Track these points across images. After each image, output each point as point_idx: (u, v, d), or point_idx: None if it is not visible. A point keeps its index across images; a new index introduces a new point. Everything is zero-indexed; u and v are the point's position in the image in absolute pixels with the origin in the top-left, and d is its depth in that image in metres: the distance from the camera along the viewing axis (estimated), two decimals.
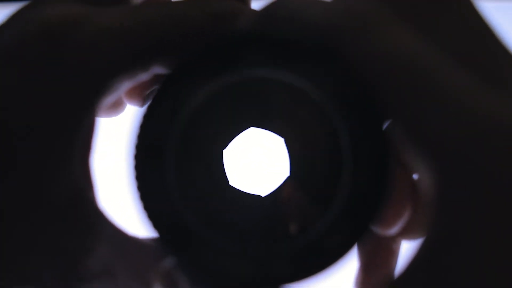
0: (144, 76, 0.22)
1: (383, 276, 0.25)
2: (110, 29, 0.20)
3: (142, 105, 0.25)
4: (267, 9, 0.21)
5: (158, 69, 0.22)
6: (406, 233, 0.24)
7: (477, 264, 0.17)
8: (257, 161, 0.22)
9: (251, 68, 0.21)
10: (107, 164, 0.24)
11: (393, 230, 0.24)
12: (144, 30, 0.21)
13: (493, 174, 0.17)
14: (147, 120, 0.20)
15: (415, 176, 0.23)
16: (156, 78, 0.23)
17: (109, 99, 0.22)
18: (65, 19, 0.20)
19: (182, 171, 0.21)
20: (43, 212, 0.20)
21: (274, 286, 0.20)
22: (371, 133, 0.20)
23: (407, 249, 0.22)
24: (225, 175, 0.22)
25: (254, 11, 0.23)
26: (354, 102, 0.20)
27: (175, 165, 0.21)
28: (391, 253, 0.25)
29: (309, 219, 0.21)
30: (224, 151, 0.22)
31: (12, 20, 0.22)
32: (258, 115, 0.22)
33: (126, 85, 0.22)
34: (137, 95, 0.25)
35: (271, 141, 0.22)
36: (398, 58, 0.18)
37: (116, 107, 0.26)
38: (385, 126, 0.20)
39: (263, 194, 0.22)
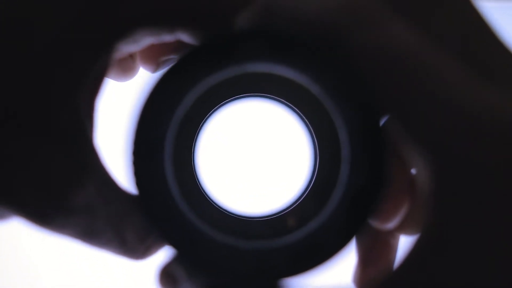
0: (167, 38, 0.22)
1: (381, 271, 0.25)
2: None
3: (154, 71, 0.25)
4: (265, 5, 0.21)
5: (183, 36, 0.22)
6: (404, 227, 0.24)
7: (472, 259, 0.17)
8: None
9: (249, 63, 0.21)
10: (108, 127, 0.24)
11: (391, 224, 0.24)
12: None
13: (489, 169, 0.17)
14: (145, 113, 0.20)
15: (413, 171, 0.24)
16: (179, 44, 0.23)
17: (128, 49, 0.22)
18: None
19: (180, 165, 0.21)
20: (42, 131, 0.20)
21: (272, 280, 0.20)
22: (368, 127, 0.20)
23: (405, 244, 0.23)
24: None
25: None
26: (352, 97, 0.20)
27: (173, 159, 0.21)
28: (389, 247, 0.25)
29: (307, 214, 0.21)
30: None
31: None
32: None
33: (147, 41, 0.22)
34: (153, 58, 0.25)
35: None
36: (396, 53, 0.18)
37: (129, 70, 0.26)
38: (383, 121, 0.20)
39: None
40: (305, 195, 0.22)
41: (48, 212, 0.21)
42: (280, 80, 0.21)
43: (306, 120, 0.22)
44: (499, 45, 0.20)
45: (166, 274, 0.22)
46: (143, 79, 0.23)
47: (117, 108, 0.28)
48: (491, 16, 0.21)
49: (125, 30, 0.21)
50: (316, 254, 0.20)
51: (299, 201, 0.22)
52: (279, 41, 0.20)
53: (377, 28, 0.19)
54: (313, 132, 0.22)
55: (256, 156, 0.25)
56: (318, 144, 0.22)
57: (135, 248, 0.22)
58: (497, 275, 0.17)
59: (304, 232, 0.21)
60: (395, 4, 0.20)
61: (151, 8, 0.21)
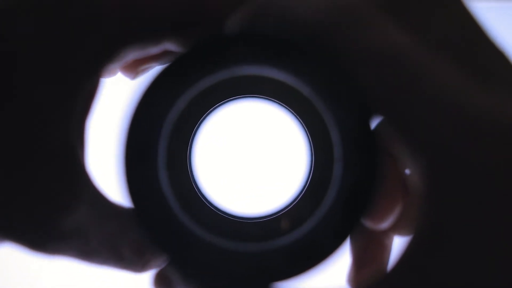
0: (154, 50, 0.22)
1: (376, 271, 0.25)
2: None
3: (134, 78, 0.25)
4: (258, 6, 0.21)
5: (169, 46, 0.22)
6: (397, 228, 0.24)
7: (467, 260, 0.17)
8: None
9: (241, 65, 0.21)
10: (99, 135, 0.24)
11: (385, 224, 0.24)
12: (161, 5, 0.21)
13: (487, 169, 0.17)
14: (138, 115, 0.20)
15: (406, 172, 0.24)
16: (165, 54, 0.23)
17: (113, 66, 0.22)
18: None
19: (174, 168, 0.21)
20: (30, 156, 0.20)
21: (268, 283, 0.20)
22: (360, 128, 0.20)
23: (398, 244, 0.23)
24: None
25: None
26: (344, 98, 0.20)
27: (166, 162, 0.21)
28: (383, 248, 0.25)
29: (301, 216, 0.21)
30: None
31: None
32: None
33: (133, 55, 0.22)
34: (133, 67, 0.25)
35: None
36: (388, 54, 0.18)
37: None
38: (375, 122, 0.20)
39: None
40: (299, 196, 0.22)
41: (41, 237, 0.21)
42: (272, 81, 0.21)
43: (300, 121, 0.22)
44: (493, 46, 0.20)
45: (161, 276, 0.22)
46: (134, 84, 0.24)
47: (108, 112, 0.28)
48: (490, 16, 0.21)
49: (111, 53, 0.21)
50: (311, 256, 0.20)
51: (293, 203, 0.22)
52: (270, 43, 0.20)
53: (369, 29, 0.19)
54: (307, 134, 0.22)
55: (250, 157, 0.25)
56: (311, 145, 0.22)
57: (133, 262, 0.22)
58: (492, 276, 0.17)
59: (299, 233, 0.21)
60: (388, 6, 0.20)
61: (136, 26, 0.21)
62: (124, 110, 0.20)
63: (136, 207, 0.20)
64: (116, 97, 0.26)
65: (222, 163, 0.22)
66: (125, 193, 0.20)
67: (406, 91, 0.18)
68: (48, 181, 0.20)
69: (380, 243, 0.25)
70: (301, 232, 0.21)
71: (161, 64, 0.23)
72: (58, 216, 0.21)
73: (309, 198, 0.21)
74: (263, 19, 0.20)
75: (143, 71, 0.24)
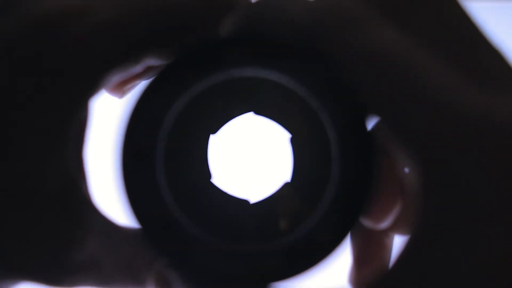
0: (136, 70, 0.22)
1: (377, 270, 0.25)
2: (105, 23, 0.20)
3: (121, 97, 0.25)
4: (251, 9, 0.21)
5: (152, 61, 0.22)
6: (397, 227, 0.24)
7: (464, 257, 0.17)
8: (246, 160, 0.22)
9: (236, 68, 0.21)
10: (98, 156, 0.24)
11: (384, 224, 0.24)
12: (137, 23, 0.21)
13: (481, 170, 0.17)
14: (134, 120, 0.20)
15: (405, 171, 0.23)
16: (148, 70, 0.23)
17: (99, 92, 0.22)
18: (63, 12, 0.20)
19: (171, 170, 0.21)
20: (34, 201, 0.20)
21: (266, 284, 0.20)
22: (357, 129, 0.20)
23: (398, 244, 0.23)
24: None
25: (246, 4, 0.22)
26: (340, 99, 0.20)
27: (164, 164, 0.21)
28: (384, 247, 0.25)
29: (299, 215, 0.21)
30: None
31: (12, 9, 0.21)
32: (244, 114, 0.22)
33: (117, 78, 0.22)
34: (119, 88, 0.25)
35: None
36: (382, 55, 0.18)
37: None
38: (372, 122, 0.20)
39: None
40: (297, 198, 0.22)
41: (56, 273, 0.21)
42: (267, 83, 0.21)
43: (295, 123, 0.22)
44: (489, 46, 0.20)
45: (161, 278, 0.22)
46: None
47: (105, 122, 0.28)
48: (490, 16, 0.21)
49: (95, 83, 0.21)
50: (309, 255, 0.20)
51: (292, 204, 0.22)
52: (264, 46, 0.20)
53: (364, 31, 0.19)
54: (302, 134, 0.22)
55: (246, 158, 0.26)
56: (307, 146, 0.22)
57: (153, 282, 0.22)
58: (489, 274, 0.17)
59: (297, 233, 0.21)
60: (383, 7, 0.20)
61: (118, 51, 0.21)
62: (120, 117, 0.20)
63: (134, 210, 0.20)
64: (110, 108, 0.26)
65: (219, 163, 0.22)
66: (122, 196, 0.20)
67: (401, 91, 0.18)
68: (54, 219, 0.20)
69: (380, 242, 0.25)
70: (299, 232, 0.21)
71: (146, 79, 0.23)
72: (69, 251, 0.21)
73: (306, 199, 0.22)
74: (257, 22, 0.20)
75: (129, 89, 0.24)
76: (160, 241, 0.20)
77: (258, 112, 0.22)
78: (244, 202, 0.22)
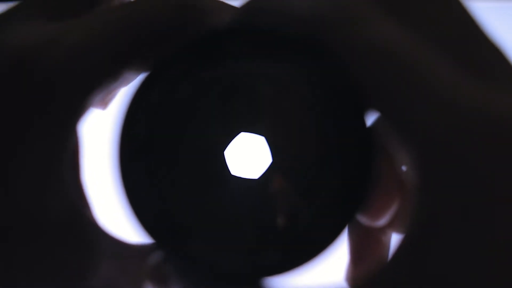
0: (118, 84, 0.22)
1: (374, 268, 0.25)
2: (79, 46, 0.20)
3: (105, 109, 0.24)
4: (252, 1, 0.21)
5: (130, 73, 0.22)
6: (394, 225, 0.24)
7: (462, 255, 0.17)
8: (244, 152, 0.22)
9: (235, 60, 0.21)
10: (95, 169, 0.24)
11: (381, 221, 0.24)
12: (113, 39, 0.20)
13: (481, 167, 0.17)
14: (131, 116, 0.20)
15: (403, 168, 0.24)
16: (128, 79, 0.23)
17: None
18: (34, 43, 0.20)
19: (169, 164, 0.21)
20: (40, 236, 0.20)
21: (263, 277, 0.20)
22: (356, 123, 0.20)
23: (395, 241, 0.23)
24: (213, 167, 0.22)
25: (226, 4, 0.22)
26: (340, 94, 0.20)
27: (161, 159, 0.21)
28: (381, 245, 0.25)
29: (297, 209, 0.21)
30: (211, 144, 0.22)
31: None
32: (243, 107, 0.22)
33: (100, 96, 0.21)
34: (101, 101, 0.24)
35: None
36: (383, 50, 0.18)
37: None
38: (372, 118, 0.20)
39: (251, 186, 0.22)
40: (295, 192, 0.22)
41: None
42: (266, 77, 0.21)
43: (293, 117, 0.22)
44: (489, 42, 0.20)
45: (156, 272, 0.22)
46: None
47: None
48: (490, 16, 0.21)
49: (80, 108, 0.20)
50: (306, 250, 0.20)
51: (290, 198, 0.22)
52: (264, 38, 0.20)
53: (366, 25, 0.19)
54: (300, 129, 0.22)
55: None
56: (306, 140, 0.22)
57: None
58: (486, 274, 0.17)
59: (294, 228, 0.21)
60: (384, 2, 0.20)
61: (95, 72, 0.20)
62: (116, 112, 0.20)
63: (130, 202, 0.20)
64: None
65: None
66: (118, 189, 0.20)
67: (402, 86, 0.18)
68: (65, 251, 0.20)
69: (377, 240, 0.25)
70: (296, 226, 0.21)
71: (126, 86, 0.23)
72: (83, 279, 0.21)
73: (304, 193, 0.21)
74: (258, 14, 0.20)
75: (111, 99, 0.24)
76: (157, 234, 0.20)
77: (255, 105, 0.22)
78: (244, 192, 0.22)
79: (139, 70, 0.22)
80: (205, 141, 0.22)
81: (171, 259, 0.20)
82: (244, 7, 0.21)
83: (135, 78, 0.22)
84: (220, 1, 0.22)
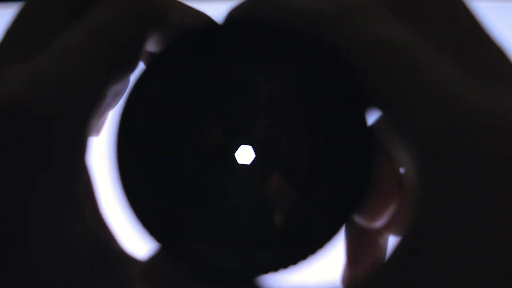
0: (108, 104, 0.22)
1: (370, 270, 0.25)
2: (64, 77, 0.19)
3: (98, 135, 0.24)
4: None
5: (118, 89, 0.22)
6: (391, 227, 0.24)
7: (457, 260, 0.17)
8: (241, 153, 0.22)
9: (233, 57, 0.20)
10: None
11: (378, 223, 0.24)
12: (92, 58, 0.20)
13: (479, 165, 0.17)
14: (127, 115, 0.20)
15: (401, 170, 0.23)
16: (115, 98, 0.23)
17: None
18: (21, 87, 0.19)
19: (166, 163, 0.21)
20: (68, 274, 0.20)
21: (259, 275, 0.20)
22: (357, 123, 0.20)
23: (392, 243, 0.22)
24: (211, 165, 0.21)
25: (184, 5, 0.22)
26: (339, 91, 0.20)
27: (159, 157, 0.21)
28: (377, 246, 0.25)
29: (294, 209, 0.21)
30: (209, 143, 0.21)
31: None
32: (241, 105, 0.21)
33: (95, 122, 0.21)
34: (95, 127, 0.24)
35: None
36: (385, 47, 0.18)
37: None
38: (373, 118, 0.20)
39: (249, 185, 0.22)
40: (293, 191, 0.22)
41: None
42: (264, 74, 0.21)
43: (291, 115, 0.22)
44: (492, 43, 0.20)
45: (149, 272, 0.21)
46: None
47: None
48: (491, 16, 0.21)
49: (83, 142, 0.20)
50: (302, 248, 0.20)
51: (287, 198, 0.22)
52: (265, 32, 0.20)
53: (368, 22, 0.19)
54: (298, 127, 0.22)
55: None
56: (304, 139, 0.22)
57: None
58: (484, 276, 0.17)
59: (291, 226, 0.21)
60: (388, 2, 0.19)
61: (90, 98, 0.20)
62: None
63: (129, 201, 0.20)
64: None
65: None
66: (117, 189, 0.20)
67: (403, 85, 0.18)
68: (93, 282, 0.20)
69: (374, 241, 0.25)
70: (292, 225, 0.21)
71: (114, 106, 0.23)
72: None
73: (301, 192, 0.21)
74: (259, 8, 0.20)
75: (103, 123, 0.24)
76: (154, 232, 0.20)
77: (253, 104, 0.22)
78: (241, 190, 0.22)
79: (124, 83, 0.21)
80: (203, 139, 0.21)
81: (169, 258, 0.20)
82: (245, 1, 0.21)
83: (122, 95, 0.22)
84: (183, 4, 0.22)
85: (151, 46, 0.22)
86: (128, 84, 0.23)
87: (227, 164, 0.21)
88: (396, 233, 0.25)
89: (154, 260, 0.20)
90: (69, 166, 0.20)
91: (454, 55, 0.19)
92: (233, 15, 0.20)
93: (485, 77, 0.18)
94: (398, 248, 0.18)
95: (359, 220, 0.24)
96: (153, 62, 0.20)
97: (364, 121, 0.19)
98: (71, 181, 0.20)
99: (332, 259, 0.21)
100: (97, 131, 0.24)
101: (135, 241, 0.20)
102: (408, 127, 0.18)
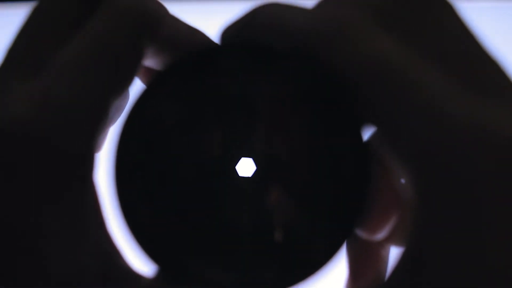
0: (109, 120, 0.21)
1: (373, 282, 0.24)
2: (68, 96, 0.19)
3: (99, 151, 0.24)
4: (247, 16, 0.21)
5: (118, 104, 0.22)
6: (393, 238, 0.24)
7: (460, 271, 0.17)
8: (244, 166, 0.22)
9: (230, 75, 0.21)
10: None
11: (380, 235, 0.24)
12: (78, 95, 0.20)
13: (476, 180, 0.17)
14: (127, 131, 0.20)
15: (401, 181, 0.23)
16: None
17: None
18: (26, 109, 0.19)
19: (165, 179, 0.21)
20: None
21: None
22: (352, 138, 0.20)
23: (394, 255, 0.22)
24: (210, 181, 0.21)
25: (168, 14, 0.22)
26: (335, 108, 0.20)
27: (157, 174, 0.21)
28: (379, 259, 0.25)
29: (294, 225, 0.21)
30: (209, 159, 0.21)
31: None
32: (240, 121, 0.21)
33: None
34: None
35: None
36: (377, 64, 0.18)
37: None
38: (368, 132, 0.20)
39: (248, 201, 0.21)
40: (292, 206, 0.22)
41: None
42: (262, 91, 0.21)
43: (290, 131, 0.22)
44: (489, 58, 0.20)
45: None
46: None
47: None
48: (491, 16, 0.21)
49: (90, 161, 0.20)
50: (304, 266, 0.20)
51: (287, 214, 0.22)
52: (262, 52, 0.20)
53: (357, 39, 0.19)
54: (297, 143, 0.22)
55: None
56: (302, 155, 0.21)
57: None
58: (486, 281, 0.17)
59: (291, 244, 0.21)
60: (383, 18, 0.20)
61: (93, 116, 0.20)
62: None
63: (127, 220, 0.20)
64: None
65: None
66: (116, 209, 0.20)
67: (398, 101, 0.18)
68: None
69: (375, 253, 0.25)
70: (293, 242, 0.21)
71: (114, 122, 0.23)
72: None
73: (301, 208, 0.21)
74: (254, 29, 0.20)
75: (104, 141, 0.24)
76: (152, 251, 0.20)
77: (253, 119, 0.22)
78: (242, 207, 0.21)
79: (124, 97, 0.21)
80: (202, 156, 0.21)
81: (166, 276, 0.20)
82: (240, 21, 0.21)
83: (122, 111, 0.22)
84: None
85: (148, 61, 0.22)
86: (128, 98, 0.23)
87: (228, 180, 0.21)
88: (397, 244, 0.25)
89: (156, 281, 0.20)
90: (77, 186, 0.20)
91: (451, 71, 0.19)
92: (228, 35, 0.20)
93: (483, 93, 0.18)
94: (401, 260, 0.18)
95: (360, 233, 0.24)
96: (154, 80, 0.20)
97: (360, 136, 0.20)
98: (79, 200, 0.20)
99: (334, 275, 0.21)
100: (99, 147, 0.24)
101: (141, 259, 0.20)
102: (402, 142, 0.18)
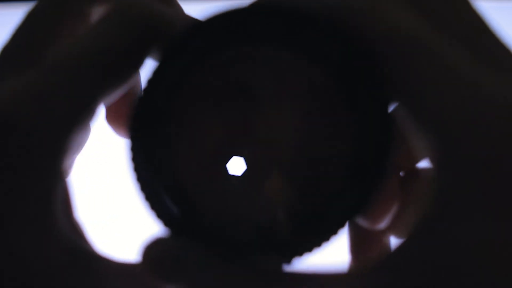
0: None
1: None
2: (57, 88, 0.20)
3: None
4: None
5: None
6: (394, 228, 0.24)
7: (484, 229, 0.17)
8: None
9: (254, 42, 0.20)
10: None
11: (381, 224, 0.24)
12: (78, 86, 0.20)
13: (497, 153, 0.17)
14: (135, 121, 0.20)
15: (401, 174, 0.24)
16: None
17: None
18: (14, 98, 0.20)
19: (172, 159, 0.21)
20: (45, 281, 0.20)
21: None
22: (379, 109, 0.19)
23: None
24: (214, 163, 0.21)
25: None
26: (361, 81, 0.19)
27: (171, 152, 0.21)
28: (381, 246, 0.25)
29: (295, 209, 0.21)
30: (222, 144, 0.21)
31: None
32: (243, 108, 0.21)
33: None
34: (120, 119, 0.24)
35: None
36: (404, 35, 0.18)
37: None
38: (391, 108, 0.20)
39: (253, 186, 0.21)
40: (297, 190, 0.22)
41: None
42: (285, 61, 0.21)
43: (307, 108, 0.21)
44: (499, 39, 0.20)
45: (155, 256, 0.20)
46: None
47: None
48: (491, 16, 0.21)
49: (62, 151, 0.20)
50: (302, 251, 0.20)
51: (290, 198, 0.22)
52: (288, 18, 0.19)
53: (388, 10, 0.19)
54: (311, 121, 0.21)
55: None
56: (313, 136, 0.21)
57: None
58: (495, 276, 0.17)
59: (290, 228, 0.21)
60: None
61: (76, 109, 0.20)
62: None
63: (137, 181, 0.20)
64: None
65: None
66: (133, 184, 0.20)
67: (422, 73, 0.18)
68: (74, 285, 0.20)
69: (377, 241, 0.25)
70: (292, 226, 0.21)
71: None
72: None
73: (305, 192, 0.21)
74: None
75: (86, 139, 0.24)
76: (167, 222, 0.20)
77: (256, 104, 0.21)
78: (246, 193, 0.21)
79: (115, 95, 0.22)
80: (217, 140, 0.21)
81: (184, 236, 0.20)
82: None
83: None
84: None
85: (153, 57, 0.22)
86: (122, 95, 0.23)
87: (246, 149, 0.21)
88: (397, 234, 0.25)
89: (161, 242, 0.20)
90: (46, 175, 0.20)
91: (466, 46, 0.19)
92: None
93: (496, 66, 0.19)
94: (417, 229, 0.18)
95: (362, 222, 0.25)
96: (165, 56, 0.20)
97: (386, 107, 0.19)
98: (48, 189, 0.20)
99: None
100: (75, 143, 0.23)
101: (111, 245, 0.20)
102: (426, 114, 0.18)
